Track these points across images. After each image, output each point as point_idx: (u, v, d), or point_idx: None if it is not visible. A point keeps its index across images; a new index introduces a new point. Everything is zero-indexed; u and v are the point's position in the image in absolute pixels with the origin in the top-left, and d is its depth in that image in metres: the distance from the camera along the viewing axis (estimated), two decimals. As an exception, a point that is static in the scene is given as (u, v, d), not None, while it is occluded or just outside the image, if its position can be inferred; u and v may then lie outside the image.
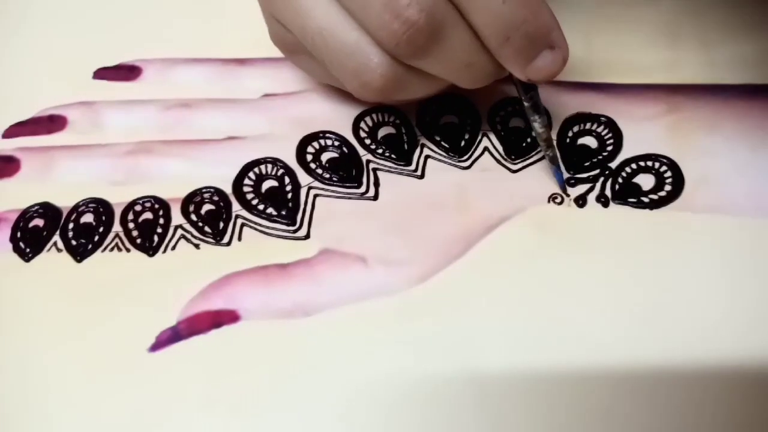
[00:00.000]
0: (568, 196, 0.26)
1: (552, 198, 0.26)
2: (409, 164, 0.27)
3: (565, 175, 0.26)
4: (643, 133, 0.27)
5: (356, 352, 0.23)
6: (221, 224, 0.26)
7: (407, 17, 0.21)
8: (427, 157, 0.27)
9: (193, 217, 0.27)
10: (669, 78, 0.28)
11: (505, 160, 0.27)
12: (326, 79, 0.27)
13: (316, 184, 0.27)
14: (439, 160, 0.27)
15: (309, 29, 0.23)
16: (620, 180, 0.26)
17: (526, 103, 0.25)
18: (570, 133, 0.27)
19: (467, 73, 0.23)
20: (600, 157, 0.27)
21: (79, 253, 0.26)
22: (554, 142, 0.26)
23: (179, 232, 0.26)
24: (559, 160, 0.26)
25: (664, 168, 0.26)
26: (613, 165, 0.26)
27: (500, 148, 0.27)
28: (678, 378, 0.22)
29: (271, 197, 0.27)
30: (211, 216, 0.27)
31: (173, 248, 0.26)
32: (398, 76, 0.23)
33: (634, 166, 0.26)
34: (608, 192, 0.26)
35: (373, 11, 0.22)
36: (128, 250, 0.26)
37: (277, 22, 0.25)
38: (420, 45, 0.22)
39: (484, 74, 0.24)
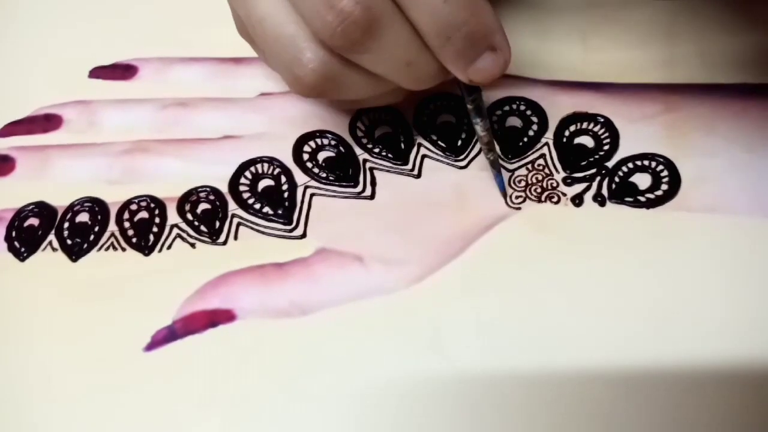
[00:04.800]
0: (506, 198, 0.26)
1: (549, 197, 0.26)
2: (406, 163, 0.27)
3: (506, 179, 0.26)
4: (639, 132, 0.27)
5: (353, 351, 0.23)
6: (217, 223, 0.26)
7: (341, 8, 0.21)
8: (423, 156, 0.27)
9: (189, 216, 0.26)
10: (666, 77, 0.28)
11: (503, 159, 0.27)
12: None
13: (313, 183, 0.27)
14: (436, 160, 0.27)
15: (252, 17, 0.23)
16: (617, 179, 0.26)
17: (469, 106, 0.25)
18: (567, 133, 0.27)
19: (408, 72, 0.23)
20: (597, 157, 0.27)
21: (74, 253, 0.26)
22: (496, 146, 0.25)
23: (175, 231, 0.26)
24: (500, 164, 0.26)
25: (660, 167, 0.26)
26: (610, 164, 0.26)
27: (497, 148, 0.27)
28: (675, 377, 0.22)
29: (267, 196, 0.27)
30: (207, 215, 0.26)
31: (169, 247, 0.26)
32: (332, 72, 0.23)
33: (630, 165, 0.26)
34: (605, 191, 0.26)
35: (310, 1, 0.21)
36: (124, 250, 0.26)
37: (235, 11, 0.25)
38: (355, 38, 0.21)
39: (426, 74, 0.23)
